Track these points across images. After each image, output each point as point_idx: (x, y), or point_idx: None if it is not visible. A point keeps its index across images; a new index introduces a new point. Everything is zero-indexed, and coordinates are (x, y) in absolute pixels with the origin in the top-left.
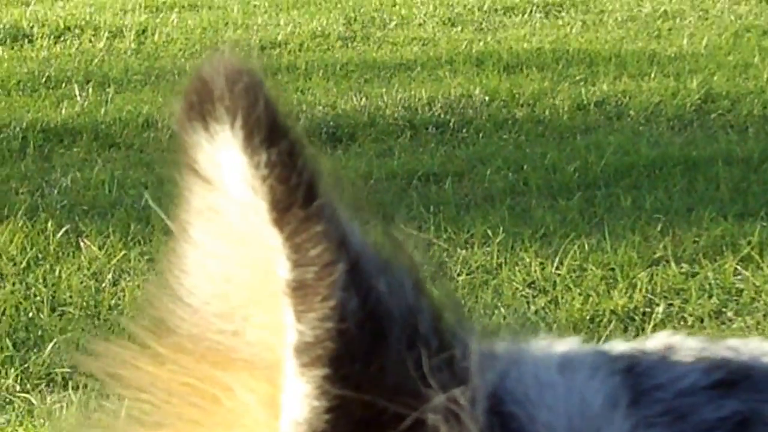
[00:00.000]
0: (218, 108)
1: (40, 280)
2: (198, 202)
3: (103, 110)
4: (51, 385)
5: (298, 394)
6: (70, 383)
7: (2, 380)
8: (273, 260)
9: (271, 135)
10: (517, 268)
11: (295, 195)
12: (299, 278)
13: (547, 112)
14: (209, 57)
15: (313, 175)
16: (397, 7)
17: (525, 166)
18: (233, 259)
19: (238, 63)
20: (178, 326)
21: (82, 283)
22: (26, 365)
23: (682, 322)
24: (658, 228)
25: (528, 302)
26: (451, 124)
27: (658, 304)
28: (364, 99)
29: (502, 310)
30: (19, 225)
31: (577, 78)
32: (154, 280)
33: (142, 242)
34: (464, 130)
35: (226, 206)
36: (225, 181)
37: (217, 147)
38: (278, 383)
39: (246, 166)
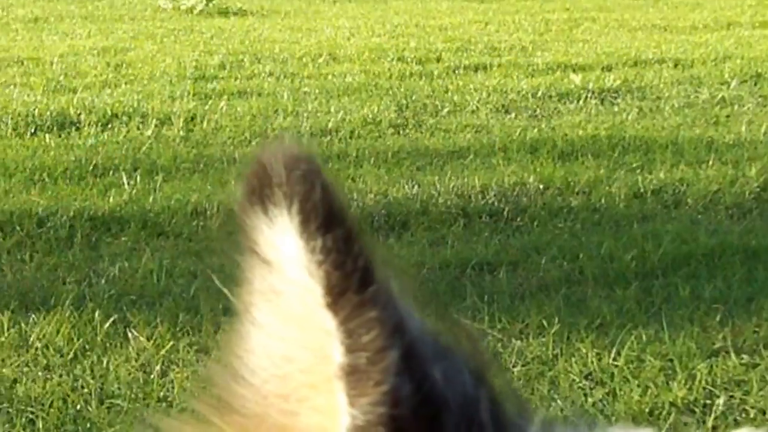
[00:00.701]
0: (277, 193)
1: (88, 372)
2: (259, 284)
3: (151, 198)
4: None
5: None
6: None
7: None
8: (329, 344)
9: (327, 221)
10: (573, 359)
11: (350, 281)
12: (352, 363)
13: (603, 200)
14: (269, 142)
15: (367, 261)
16: (450, 93)
17: (581, 255)
18: (293, 340)
19: (296, 149)
20: (241, 405)
21: (130, 374)
22: None
23: (743, 415)
24: (717, 318)
25: (585, 394)
26: (505, 212)
27: (718, 396)
28: (416, 187)
29: (559, 402)
30: (66, 315)
31: (634, 165)
32: (217, 359)
33: (191, 332)
34: (518, 219)
35: (285, 288)
36: (284, 264)
37: (276, 231)
38: None
39: (302, 250)
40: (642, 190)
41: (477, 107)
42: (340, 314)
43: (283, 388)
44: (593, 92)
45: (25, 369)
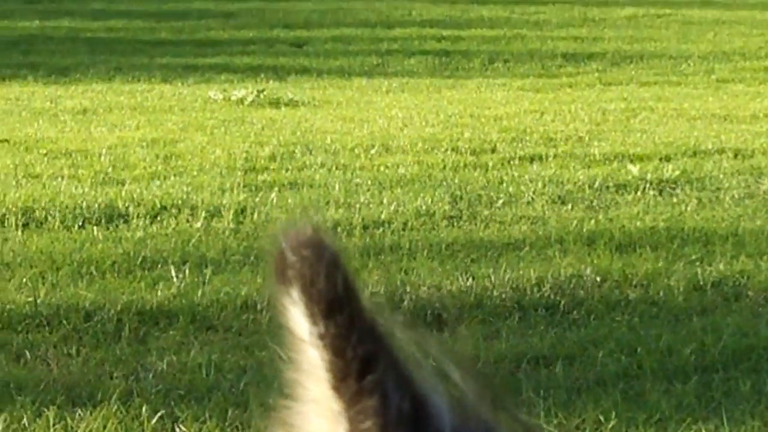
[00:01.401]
0: (288, 274)
1: None
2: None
3: (200, 292)
4: None
5: None
6: None
7: None
8: (337, 427)
9: (330, 307)
10: None
11: (350, 368)
12: None
13: (661, 293)
14: (290, 223)
15: (370, 349)
16: (505, 184)
17: (639, 349)
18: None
19: (310, 231)
20: None
21: None
22: None
23: None
24: None
25: None
26: (561, 305)
27: None
28: (470, 279)
29: None
30: (113, 410)
31: (693, 257)
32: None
33: (240, 428)
34: (575, 312)
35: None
36: (302, 343)
37: (294, 310)
38: None
39: (308, 332)
40: (701, 283)
41: (533, 198)
42: (343, 399)
43: None
44: (651, 183)
45: None
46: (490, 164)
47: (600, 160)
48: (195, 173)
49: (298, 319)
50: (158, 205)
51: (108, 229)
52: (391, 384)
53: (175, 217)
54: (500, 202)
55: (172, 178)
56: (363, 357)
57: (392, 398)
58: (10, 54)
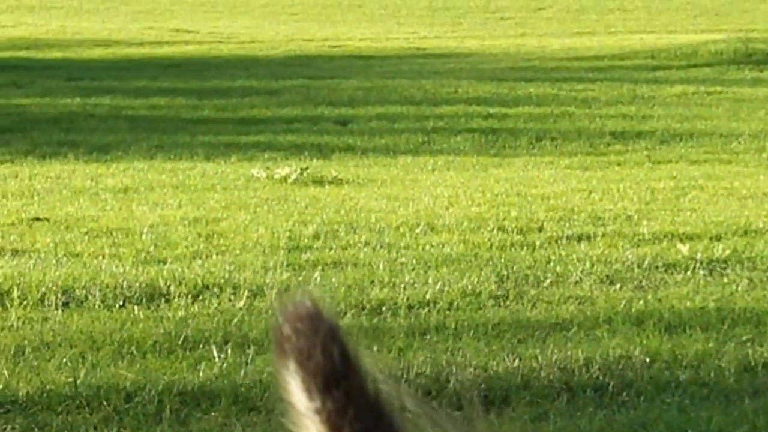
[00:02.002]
0: (286, 348)
1: None
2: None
3: (242, 372)
4: None
5: None
6: None
7: None
8: None
9: (326, 381)
10: None
11: None
12: None
13: (712, 374)
14: (288, 298)
15: (368, 426)
16: (552, 264)
17: (689, 431)
18: None
19: (307, 306)
20: None
21: None
22: None
23: None
24: None
25: None
26: (610, 386)
27: None
28: (517, 360)
29: None
30: None
31: (744, 338)
32: None
33: None
34: (624, 393)
35: None
36: (301, 417)
37: (293, 383)
38: None
39: (305, 407)
40: (753, 364)
41: (580, 278)
42: None
43: None
44: (701, 262)
45: None
46: (537, 243)
47: (649, 239)
48: (237, 252)
49: (297, 392)
50: (200, 284)
51: (149, 308)
52: None
53: (217, 297)
54: (547, 281)
55: (215, 257)
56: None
57: None
58: (51, 132)
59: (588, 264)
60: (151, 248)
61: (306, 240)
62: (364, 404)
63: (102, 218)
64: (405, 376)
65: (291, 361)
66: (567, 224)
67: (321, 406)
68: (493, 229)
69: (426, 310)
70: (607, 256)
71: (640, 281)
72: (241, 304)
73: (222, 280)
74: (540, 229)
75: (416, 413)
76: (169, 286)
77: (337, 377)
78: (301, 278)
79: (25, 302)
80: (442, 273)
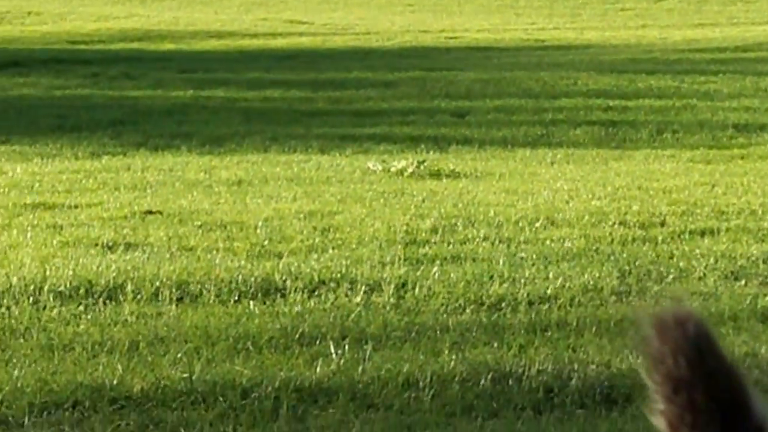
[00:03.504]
0: (646, 351)
1: None
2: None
3: (360, 368)
4: None
5: None
6: None
7: None
8: None
9: (674, 389)
10: None
11: None
12: None
13: None
14: (660, 305)
15: None
16: (675, 259)
17: None
18: None
19: (671, 313)
20: None
21: None
22: None
23: None
24: None
25: None
26: None
27: None
28: (641, 358)
29: None
30: None
31: None
32: None
33: None
34: None
35: None
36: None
37: (650, 383)
38: None
39: (656, 407)
40: None
41: (704, 274)
42: None
43: None
44: None
45: None
46: (660, 238)
47: None
48: (354, 246)
49: (652, 393)
50: (316, 279)
51: (264, 303)
52: None
53: (334, 292)
54: (670, 277)
55: (331, 251)
56: None
57: None
58: (164, 124)
59: (712, 259)
60: (266, 242)
61: (423, 234)
62: (709, 414)
63: (216, 211)
64: (526, 373)
65: (648, 363)
66: (690, 219)
67: (664, 408)
68: (614, 223)
69: (546, 305)
70: (731, 252)
71: (766, 277)
72: (359, 299)
73: (338, 275)
74: (662, 224)
75: None
76: (284, 281)
77: (682, 385)
78: (419, 273)
79: (138, 297)
80: (562, 268)
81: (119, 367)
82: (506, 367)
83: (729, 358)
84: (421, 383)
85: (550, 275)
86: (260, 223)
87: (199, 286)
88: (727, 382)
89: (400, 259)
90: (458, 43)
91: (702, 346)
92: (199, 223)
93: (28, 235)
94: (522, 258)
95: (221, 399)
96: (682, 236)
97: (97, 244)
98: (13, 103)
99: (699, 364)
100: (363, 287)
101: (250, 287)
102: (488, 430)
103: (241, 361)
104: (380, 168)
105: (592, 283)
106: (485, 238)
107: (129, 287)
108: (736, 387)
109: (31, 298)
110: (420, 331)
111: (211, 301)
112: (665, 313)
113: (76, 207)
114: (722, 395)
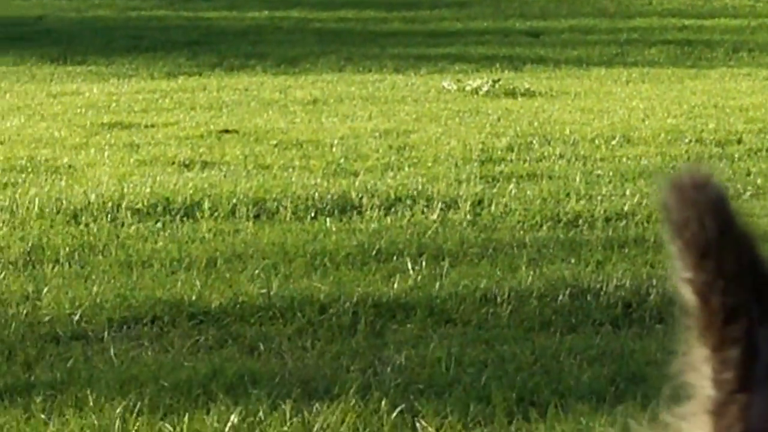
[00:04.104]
0: (669, 218)
1: None
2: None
3: (437, 284)
4: None
5: None
6: None
7: None
8: (700, 375)
9: (699, 253)
10: None
11: (714, 317)
12: (715, 398)
13: None
14: (678, 171)
15: (738, 299)
16: (752, 176)
17: None
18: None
19: (695, 178)
20: None
21: None
22: None
23: None
24: None
25: None
26: None
27: None
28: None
29: None
30: (351, 404)
31: None
32: None
33: (482, 424)
34: None
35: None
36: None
37: (674, 251)
38: None
39: (681, 276)
40: None
41: None
42: (707, 346)
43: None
44: None
45: None
46: (736, 156)
47: None
48: (429, 164)
49: (677, 261)
50: (392, 197)
51: (341, 220)
52: (764, 338)
53: (410, 209)
54: (747, 194)
55: (406, 169)
56: (728, 306)
57: (763, 352)
58: (239, 44)
59: None
60: (342, 160)
61: (499, 152)
62: (738, 277)
63: (291, 130)
64: (603, 288)
65: (671, 230)
66: (766, 136)
67: (693, 276)
68: (690, 141)
69: (624, 222)
70: None
71: None
72: (435, 216)
73: (415, 192)
74: (739, 141)
75: None
76: (361, 198)
77: (709, 250)
78: (495, 190)
79: (216, 214)
80: (639, 185)
81: (197, 283)
82: (584, 282)
83: (747, 222)
84: (498, 299)
85: (627, 192)
86: (336, 142)
87: (275, 204)
88: (753, 245)
89: (476, 176)
90: None
91: (725, 209)
92: (275, 141)
93: (105, 153)
94: (598, 175)
95: (299, 314)
96: (758, 153)
97: (173, 163)
98: (89, 24)
99: (725, 227)
100: (439, 204)
101: (327, 204)
102: (567, 345)
103: (318, 277)
104: (455, 87)
105: None
106: (561, 156)
107: (206, 204)
108: (759, 250)
109: (109, 216)
110: (497, 248)
111: (287, 218)
112: (684, 178)
113: (152, 126)
114: (751, 258)
